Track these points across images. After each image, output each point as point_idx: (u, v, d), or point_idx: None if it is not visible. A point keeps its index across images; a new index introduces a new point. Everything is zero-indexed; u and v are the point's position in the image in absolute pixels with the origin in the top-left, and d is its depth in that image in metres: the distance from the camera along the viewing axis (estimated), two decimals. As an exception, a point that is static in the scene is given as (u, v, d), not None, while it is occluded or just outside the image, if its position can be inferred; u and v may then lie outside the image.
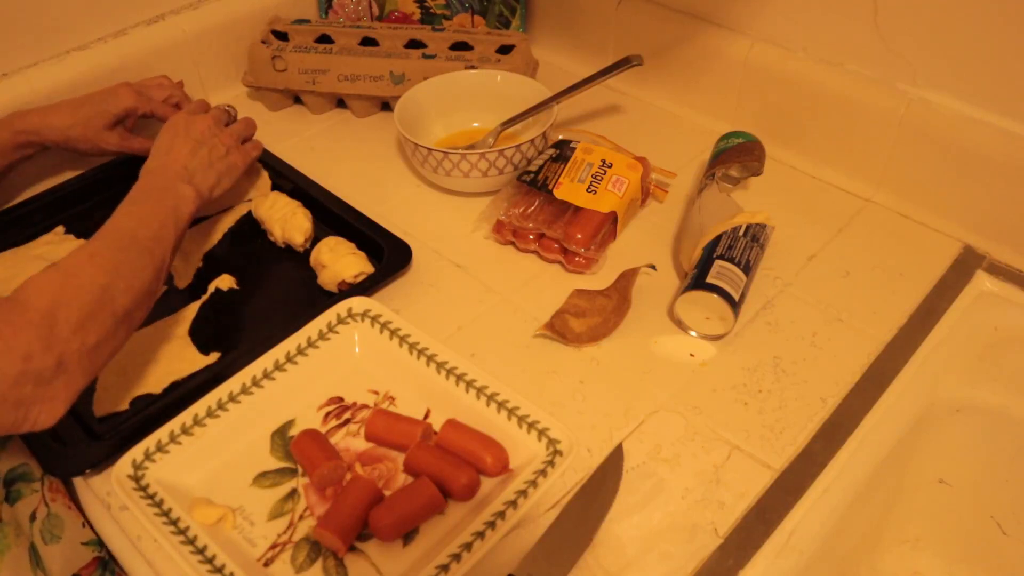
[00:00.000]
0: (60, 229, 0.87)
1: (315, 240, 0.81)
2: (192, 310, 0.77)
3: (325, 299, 0.74)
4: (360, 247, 0.79)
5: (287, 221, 0.82)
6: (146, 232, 0.66)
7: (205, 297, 0.78)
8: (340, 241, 0.79)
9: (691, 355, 0.72)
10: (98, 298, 0.58)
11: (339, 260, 0.77)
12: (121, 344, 0.61)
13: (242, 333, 0.75)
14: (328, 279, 0.77)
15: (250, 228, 0.86)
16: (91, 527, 0.65)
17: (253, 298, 0.79)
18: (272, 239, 0.84)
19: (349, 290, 0.75)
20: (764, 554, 0.58)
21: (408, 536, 0.59)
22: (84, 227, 0.87)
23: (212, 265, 0.82)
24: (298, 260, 0.82)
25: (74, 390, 0.56)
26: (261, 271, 0.82)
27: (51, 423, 0.55)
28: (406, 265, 0.78)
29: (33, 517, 0.62)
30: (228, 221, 0.87)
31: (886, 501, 0.77)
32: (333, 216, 0.84)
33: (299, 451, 0.63)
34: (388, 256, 0.79)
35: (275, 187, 0.90)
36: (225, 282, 0.79)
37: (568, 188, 0.80)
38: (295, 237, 0.81)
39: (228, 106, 0.86)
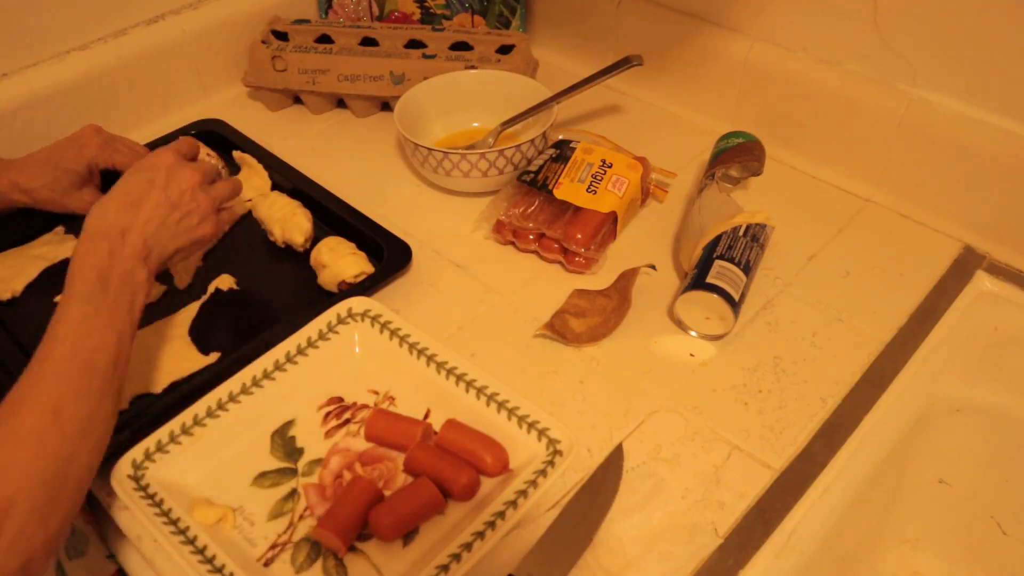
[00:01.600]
0: (60, 229, 0.87)
1: (315, 240, 0.81)
2: (192, 310, 0.77)
3: (325, 299, 0.74)
4: (360, 247, 0.79)
5: (287, 221, 0.82)
6: (105, 357, 0.54)
7: (205, 297, 0.78)
8: (340, 241, 0.79)
9: (691, 355, 0.72)
10: (62, 473, 0.49)
11: (339, 260, 0.76)
12: (77, 509, 0.51)
13: (242, 333, 0.75)
14: (328, 279, 0.77)
15: (250, 228, 0.86)
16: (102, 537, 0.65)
17: (253, 298, 0.79)
18: (272, 239, 0.83)
19: (349, 290, 0.75)
20: (764, 554, 0.58)
21: (408, 536, 0.59)
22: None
23: (212, 265, 0.82)
24: (298, 260, 0.82)
25: None
26: (261, 271, 0.82)
27: None
28: (406, 265, 0.78)
29: None
30: (228, 221, 0.87)
31: (886, 501, 0.77)
32: (333, 216, 0.84)
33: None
34: (388, 256, 0.79)
35: (275, 187, 0.90)
36: (225, 282, 0.79)
37: (568, 188, 0.80)
38: (295, 237, 0.81)
39: (217, 159, 0.78)
